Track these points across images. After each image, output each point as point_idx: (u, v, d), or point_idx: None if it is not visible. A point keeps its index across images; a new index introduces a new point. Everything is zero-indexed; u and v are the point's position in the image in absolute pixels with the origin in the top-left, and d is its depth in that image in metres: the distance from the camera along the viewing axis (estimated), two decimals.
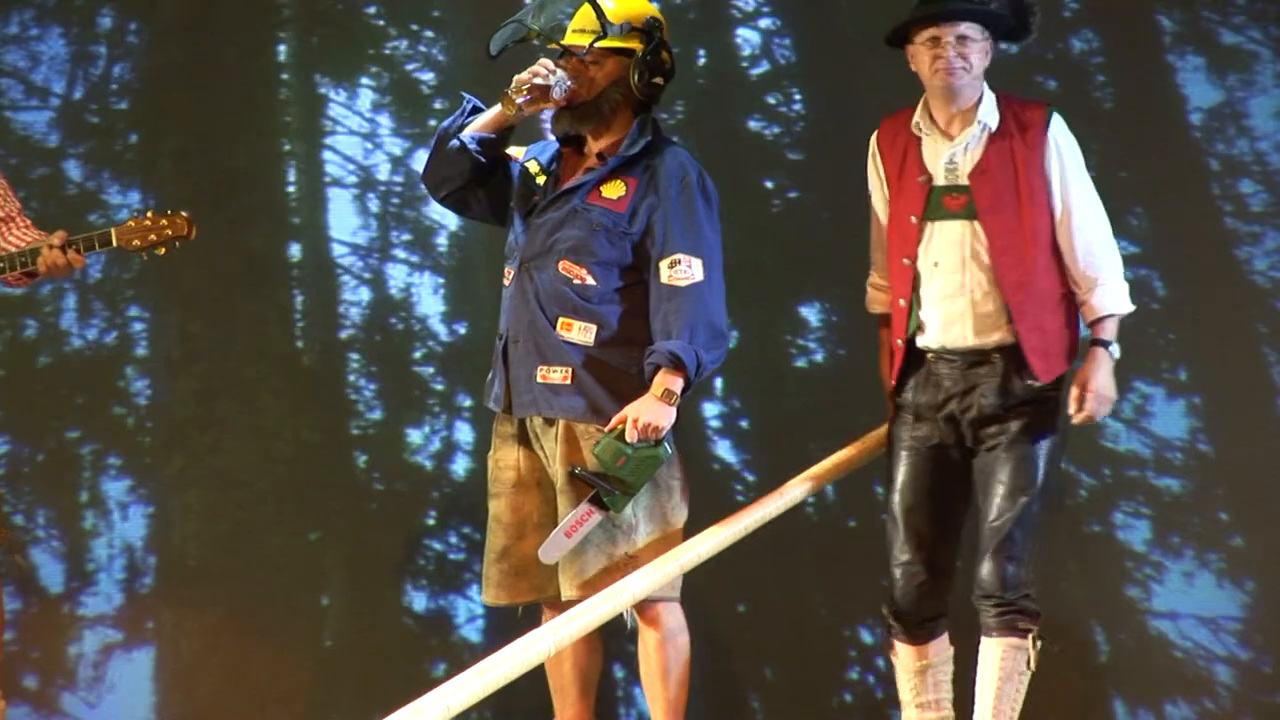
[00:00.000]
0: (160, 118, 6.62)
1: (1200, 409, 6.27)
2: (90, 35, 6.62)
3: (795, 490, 5.02)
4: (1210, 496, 6.31)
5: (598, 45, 4.86)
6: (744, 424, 6.55)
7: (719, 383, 6.51)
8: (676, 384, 4.75)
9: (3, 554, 5.35)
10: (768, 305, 6.50)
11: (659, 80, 4.92)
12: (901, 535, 4.92)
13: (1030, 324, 4.82)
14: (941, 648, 5.04)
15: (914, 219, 4.88)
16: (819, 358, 6.54)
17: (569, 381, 4.84)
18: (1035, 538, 4.86)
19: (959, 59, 4.80)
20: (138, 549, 6.38)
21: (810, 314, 6.54)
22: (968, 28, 4.80)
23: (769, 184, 6.65)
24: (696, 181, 4.88)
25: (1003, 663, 4.82)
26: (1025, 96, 4.99)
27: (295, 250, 6.61)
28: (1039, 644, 4.84)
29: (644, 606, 4.84)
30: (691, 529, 4.95)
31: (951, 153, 4.87)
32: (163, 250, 5.06)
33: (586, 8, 4.87)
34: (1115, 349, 4.85)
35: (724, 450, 6.52)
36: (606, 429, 4.77)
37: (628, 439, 4.73)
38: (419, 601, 6.41)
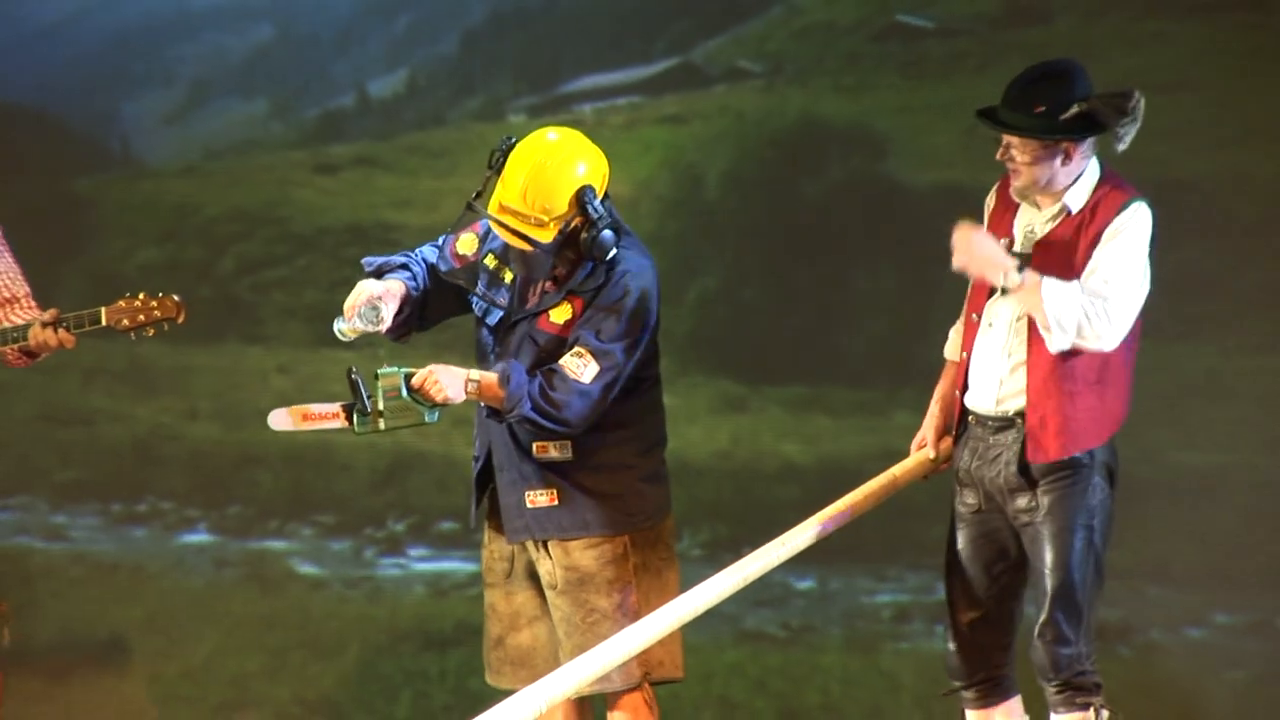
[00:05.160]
0: None
1: None
2: None
3: (799, 537, 4.85)
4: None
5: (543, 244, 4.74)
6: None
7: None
8: (485, 394, 4.67)
9: None
10: (740, 400, 6.56)
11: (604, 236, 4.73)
12: (955, 594, 4.92)
13: (1055, 401, 4.75)
14: (1008, 711, 5.01)
15: None
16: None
17: (556, 503, 4.82)
18: (1082, 613, 4.81)
19: (1011, 163, 4.75)
20: None
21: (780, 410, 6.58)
22: (1010, 137, 4.77)
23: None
24: (635, 299, 4.79)
25: None
26: (1127, 183, 4.81)
27: None
28: (1104, 714, 4.82)
29: (615, 695, 4.81)
30: None
31: (1033, 223, 4.83)
32: (151, 332, 5.02)
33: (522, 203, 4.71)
34: (1017, 279, 4.68)
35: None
36: (406, 368, 4.68)
37: (413, 383, 4.66)
38: None
